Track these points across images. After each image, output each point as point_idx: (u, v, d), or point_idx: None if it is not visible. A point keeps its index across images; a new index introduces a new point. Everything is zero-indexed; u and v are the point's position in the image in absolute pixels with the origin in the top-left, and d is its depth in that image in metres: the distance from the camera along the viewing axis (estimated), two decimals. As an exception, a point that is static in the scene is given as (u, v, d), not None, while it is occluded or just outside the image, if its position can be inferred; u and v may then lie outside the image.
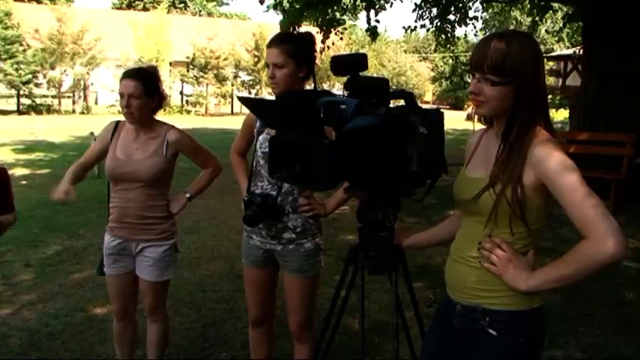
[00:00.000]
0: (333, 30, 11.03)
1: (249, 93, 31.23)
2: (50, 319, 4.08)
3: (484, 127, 1.87)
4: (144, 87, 2.82)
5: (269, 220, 2.66)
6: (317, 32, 10.75)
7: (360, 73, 1.79)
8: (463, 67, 31.68)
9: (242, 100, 1.76)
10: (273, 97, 2.68)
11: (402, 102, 1.87)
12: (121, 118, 3.00)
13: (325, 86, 31.70)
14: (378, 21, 11.00)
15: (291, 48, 2.60)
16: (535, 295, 1.74)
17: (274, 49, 2.61)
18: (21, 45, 26.62)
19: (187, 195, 3.08)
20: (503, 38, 1.63)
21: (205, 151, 3.17)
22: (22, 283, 4.79)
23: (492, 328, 1.73)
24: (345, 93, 1.78)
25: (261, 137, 2.72)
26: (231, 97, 31.58)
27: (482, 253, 1.71)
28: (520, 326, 1.73)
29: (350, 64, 1.77)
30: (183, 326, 4.01)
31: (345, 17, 12.29)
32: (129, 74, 2.88)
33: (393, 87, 1.84)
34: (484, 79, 1.64)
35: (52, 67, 27.14)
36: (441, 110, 1.94)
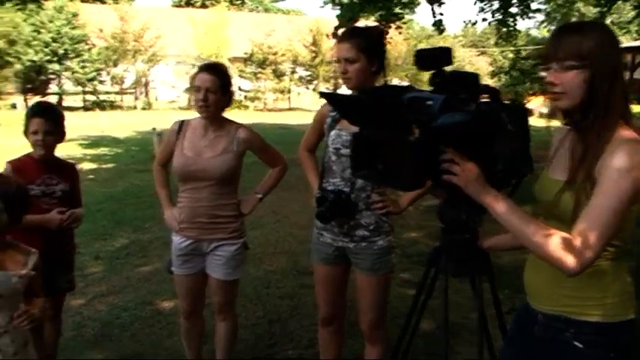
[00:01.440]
0: (392, 25, 10.91)
1: (307, 88, 31.24)
2: (120, 311, 4.18)
3: (563, 125, 1.76)
4: (220, 82, 2.80)
5: (342, 217, 2.61)
6: (376, 27, 10.69)
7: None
8: (523, 62, 30.85)
9: (324, 95, 1.72)
10: (344, 92, 2.63)
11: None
12: (183, 116, 2.99)
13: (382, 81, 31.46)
14: (442, 14, 10.90)
15: (362, 42, 2.55)
16: (629, 306, 1.63)
17: (345, 44, 2.56)
18: (86, 44, 27.66)
19: (258, 195, 3.06)
20: (579, 26, 1.60)
21: (273, 150, 3.13)
22: (93, 275, 4.93)
23: (579, 341, 1.63)
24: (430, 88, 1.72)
25: (332, 133, 2.68)
26: (289, 92, 31.78)
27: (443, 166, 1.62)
28: (610, 340, 1.62)
29: (435, 59, 1.71)
30: (249, 322, 4.03)
31: (403, 12, 12.14)
32: (206, 68, 2.86)
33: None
34: (561, 67, 1.56)
35: (115, 65, 27.99)
36: (526, 107, 1.85)
